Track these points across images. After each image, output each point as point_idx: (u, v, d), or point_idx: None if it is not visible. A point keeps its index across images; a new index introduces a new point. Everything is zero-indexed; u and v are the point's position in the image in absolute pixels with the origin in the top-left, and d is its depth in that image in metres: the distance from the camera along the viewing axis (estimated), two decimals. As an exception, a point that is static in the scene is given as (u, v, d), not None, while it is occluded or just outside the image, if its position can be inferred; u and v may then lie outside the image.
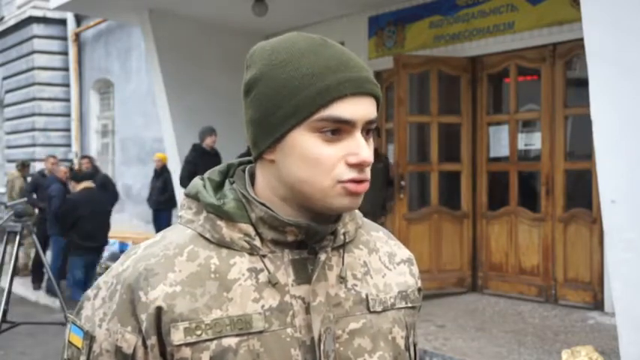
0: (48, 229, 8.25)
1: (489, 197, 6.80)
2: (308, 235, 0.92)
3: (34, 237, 5.67)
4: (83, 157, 9.78)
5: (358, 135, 0.88)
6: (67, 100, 13.09)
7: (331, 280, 0.93)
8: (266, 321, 0.88)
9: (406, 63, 6.61)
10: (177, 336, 0.86)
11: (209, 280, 0.89)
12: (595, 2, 3.66)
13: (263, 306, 0.89)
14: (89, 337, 0.90)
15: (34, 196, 8.75)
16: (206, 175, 0.98)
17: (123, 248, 8.81)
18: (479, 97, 6.76)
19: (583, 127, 5.95)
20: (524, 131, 6.72)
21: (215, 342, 0.86)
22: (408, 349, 1.00)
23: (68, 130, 13.18)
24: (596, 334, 5.15)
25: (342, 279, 0.94)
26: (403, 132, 6.59)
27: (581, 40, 3.79)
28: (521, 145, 6.62)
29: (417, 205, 6.92)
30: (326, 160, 0.87)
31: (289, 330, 0.89)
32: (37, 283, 8.75)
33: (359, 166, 0.88)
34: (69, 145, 13.15)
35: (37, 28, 12.86)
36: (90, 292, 0.94)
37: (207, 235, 0.92)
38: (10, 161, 13.53)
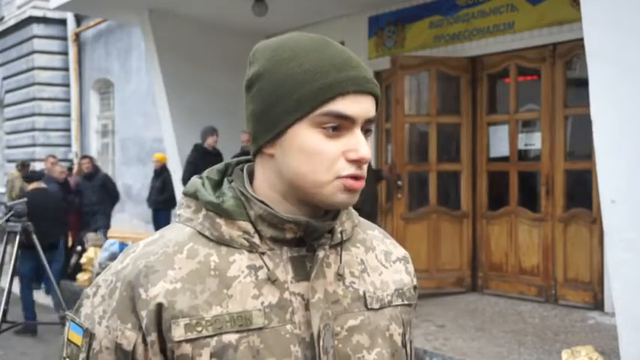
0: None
1: (489, 197, 6.80)
2: (306, 233, 0.93)
3: (34, 237, 5.67)
4: (83, 157, 9.78)
5: (358, 132, 0.90)
6: (67, 100, 13.10)
7: (329, 277, 0.94)
8: (266, 317, 0.89)
9: (403, 64, 6.68)
10: (177, 332, 0.86)
11: (209, 277, 0.90)
12: (595, 2, 3.66)
13: (263, 303, 0.90)
14: (89, 335, 0.90)
15: None
16: (204, 174, 0.99)
17: (122, 248, 8.80)
18: (479, 97, 6.76)
19: (583, 127, 5.95)
20: (524, 131, 6.72)
21: (215, 338, 0.87)
22: (405, 345, 1.01)
23: (68, 130, 13.19)
24: (596, 334, 5.15)
25: (339, 276, 0.96)
26: (400, 132, 6.67)
27: (581, 40, 3.79)
28: (521, 145, 6.62)
29: (416, 205, 6.93)
30: (326, 154, 0.89)
31: (289, 326, 0.90)
32: (36, 283, 8.74)
33: (358, 163, 0.90)
34: (69, 145, 13.15)
35: (37, 28, 12.86)
36: (89, 290, 0.94)
37: (207, 233, 0.92)
38: (10, 161, 13.53)
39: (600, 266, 5.72)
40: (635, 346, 3.66)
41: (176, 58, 7.99)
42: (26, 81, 13.19)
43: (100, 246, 8.45)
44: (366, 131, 0.92)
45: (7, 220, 5.48)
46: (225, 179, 0.98)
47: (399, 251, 1.09)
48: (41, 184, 7.48)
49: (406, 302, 1.04)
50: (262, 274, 0.91)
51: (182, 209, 0.97)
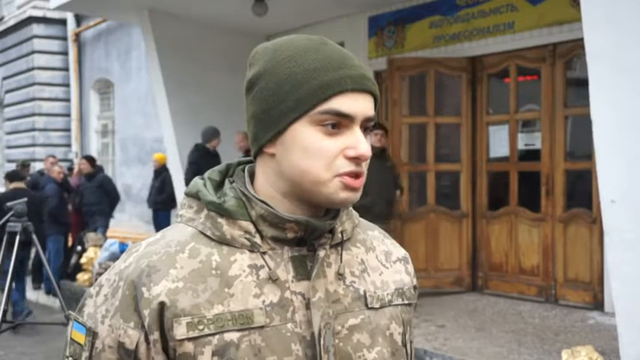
0: (45, 229, 8.25)
1: (489, 197, 6.81)
2: (307, 232, 0.94)
3: (34, 237, 5.68)
4: (83, 157, 9.78)
5: (357, 130, 0.91)
6: (67, 100, 13.10)
7: (330, 276, 0.95)
8: (267, 316, 0.90)
9: (400, 66, 6.75)
10: (179, 331, 0.87)
11: (210, 276, 0.90)
12: (595, 2, 3.66)
13: (264, 301, 0.90)
14: (92, 334, 0.91)
15: None
16: (206, 174, 1.00)
17: (123, 248, 8.81)
18: (479, 97, 6.77)
19: (583, 127, 5.96)
20: (524, 131, 6.73)
21: (217, 337, 0.88)
22: (405, 345, 1.02)
23: (68, 130, 13.19)
24: (596, 334, 5.15)
25: (340, 276, 0.96)
26: (397, 133, 6.76)
27: (581, 40, 3.79)
28: (521, 145, 6.62)
29: (415, 205, 6.95)
30: (326, 152, 0.90)
31: (290, 325, 0.91)
32: (37, 283, 8.75)
33: (357, 160, 0.91)
34: (69, 145, 13.15)
35: (37, 28, 12.86)
36: (92, 290, 0.95)
37: (208, 233, 0.93)
38: (10, 161, 13.53)
39: (600, 266, 5.72)
40: (635, 346, 3.66)
41: (176, 58, 7.99)
42: (26, 81, 13.19)
43: (100, 246, 8.46)
44: (365, 129, 0.93)
45: (7, 220, 5.48)
46: (227, 180, 0.99)
47: (399, 251, 1.10)
48: (21, 185, 7.52)
49: (406, 302, 1.04)
50: (263, 273, 0.92)
51: (184, 209, 0.98)
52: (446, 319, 5.68)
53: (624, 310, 3.72)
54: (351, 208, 1.03)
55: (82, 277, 8.28)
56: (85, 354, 0.91)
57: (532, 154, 6.63)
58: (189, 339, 0.87)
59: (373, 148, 5.59)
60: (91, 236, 8.60)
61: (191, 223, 0.95)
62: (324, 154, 0.90)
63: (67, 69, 13.04)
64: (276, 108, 0.91)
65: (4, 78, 14.04)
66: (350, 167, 0.91)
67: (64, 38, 12.99)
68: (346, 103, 0.90)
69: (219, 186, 0.98)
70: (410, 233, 6.74)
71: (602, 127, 3.68)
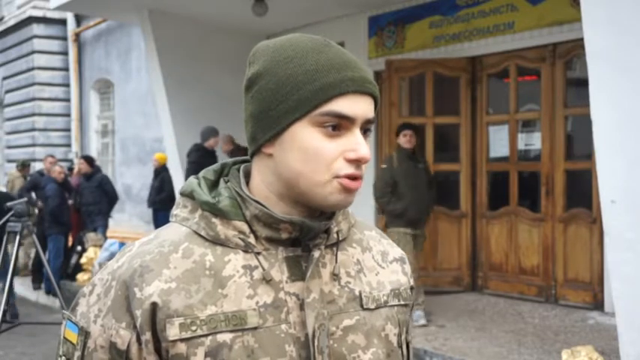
0: (45, 229, 8.26)
1: (489, 197, 6.81)
2: (302, 233, 0.93)
3: (34, 237, 5.67)
4: (81, 157, 9.78)
5: (357, 132, 0.91)
6: (67, 100, 13.09)
7: (325, 277, 0.95)
8: (260, 317, 0.89)
9: (398, 67, 6.78)
10: (172, 331, 0.86)
11: (204, 276, 0.90)
12: (595, 2, 3.66)
13: (257, 302, 0.90)
14: (84, 333, 0.91)
15: (33, 194, 8.76)
16: (201, 174, 0.99)
17: (123, 248, 8.80)
18: (478, 97, 6.77)
19: (583, 127, 5.95)
20: (524, 131, 6.73)
21: (210, 337, 0.87)
22: (400, 346, 1.01)
23: (68, 130, 13.19)
24: (596, 334, 5.15)
25: (335, 276, 0.96)
26: (396, 135, 6.70)
27: (581, 40, 3.79)
28: (521, 145, 6.62)
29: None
30: (326, 153, 0.89)
31: (284, 326, 0.90)
32: (37, 283, 8.75)
33: (357, 162, 0.90)
34: (69, 145, 13.15)
35: (37, 28, 12.85)
36: (85, 289, 0.95)
37: (202, 233, 0.92)
38: (10, 161, 13.54)
39: (600, 266, 5.72)
40: (635, 346, 3.66)
41: (176, 58, 7.99)
42: (26, 81, 13.19)
43: (100, 246, 8.46)
44: (365, 131, 0.93)
45: (7, 221, 5.48)
46: (222, 179, 0.98)
47: (396, 251, 1.09)
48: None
49: (402, 302, 1.04)
50: (257, 273, 0.91)
51: (178, 209, 0.97)
52: (446, 319, 5.68)
53: (624, 310, 3.72)
54: (347, 208, 1.02)
55: (82, 277, 8.28)
56: (78, 353, 0.91)
57: (532, 154, 6.64)
58: (182, 340, 0.86)
59: (403, 149, 5.60)
60: (91, 236, 8.60)
61: (185, 223, 0.94)
62: (323, 155, 0.89)
63: (67, 69, 13.03)
64: (275, 108, 0.90)
65: (4, 78, 14.04)
66: (349, 170, 0.90)
67: (64, 38, 12.99)
68: (347, 105, 0.89)
69: (213, 186, 0.98)
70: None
71: (602, 127, 3.68)
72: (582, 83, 4.73)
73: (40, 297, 8.64)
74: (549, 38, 6.11)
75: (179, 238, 0.93)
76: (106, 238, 8.82)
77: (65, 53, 13.03)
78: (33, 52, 12.92)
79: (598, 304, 5.80)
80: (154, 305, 0.87)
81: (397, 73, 6.81)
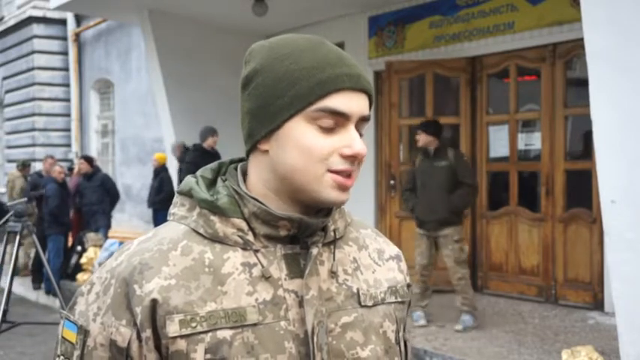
0: (45, 229, 8.26)
1: (489, 197, 6.80)
2: (300, 230, 0.93)
3: (34, 237, 5.67)
4: (81, 157, 9.78)
5: (352, 128, 0.91)
6: (67, 100, 13.10)
7: (323, 274, 0.95)
8: (260, 314, 0.89)
9: (398, 68, 6.79)
10: (172, 328, 0.87)
11: (203, 274, 0.90)
12: (595, 2, 3.66)
13: (257, 299, 0.90)
14: (83, 332, 0.90)
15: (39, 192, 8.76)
16: (199, 173, 1.00)
17: (123, 248, 8.80)
18: (478, 97, 6.77)
19: (583, 127, 5.95)
20: (524, 131, 6.73)
21: (210, 334, 0.87)
22: (398, 343, 1.02)
23: (68, 130, 13.19)
24: (596, 334, 5.15)
25: (333, 274, 0.96)
26: (395, 134, 6.88)
27: (581, 40, 3.79)
28: (521, 145, 6.62)
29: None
30: (321, 149, 0.90)
31: (283, 323, 0.90)
32: (37, 283, 8.75)
33: (352, 158, 0.91)
34: (69, 145, 13.15)
35: (37, 28, 12.85)
36: (83, 288, 0.95)
37: (201, 231, 0.93)
38: (10, 161, 13.54)
39: (600, 266, 5.72)
40: (635, 346, 3.66)
41: (176, 58, 7.99)
42: (26, 81, 13.19)
43: (100, 246, 8.46)
44: (360, 128, 0.93)
45: (7, 220, 5.47)
46: (219, 178, 0.98)
47: (392, 249, 1.09)
48: None
49: (399, 300, 1.04)
50: (256, 271, 0.91)
51: (176, 208, 0.97)
52: (446, 319, 5.68)
53: (624, 310, 3.72)
54: (343, 206, 1.03)
55: (82, 277, 8.28)
56: (77, 352, 0.90)
57: (532, 154, 6.63)
58: (182, 336, 0.87)
59: (420, 148, 5.58)
60: (91, 236, 8.60)
61: (184, 221, 0.95)
62: (318, 151, 0.90)
63: (67, 69, 13.03)
64: (271, 104, 0.91)
65: (4, 78, 14.04)
66: (344, 165, 0.91)
67: (64, 38, 12.99)
68: (342, 102, 0.90)
69: (211, 184, 0.98)
70: (408, 232, 6.75)
71: (602, 127, 3.68)
72: (582, 83, 4.73)
73: (40, 297, 8.64)
74: (549, 38, 6.11)
75: (178, 235, 0.93)
76: (107, 237, 8.82)
77: (65, 53, 13.03)
78: (33, 52, 12.92)
79: (598, 304, 5.79)
80: (154, 302, 0.87)
81: (397, 74, 6.84)
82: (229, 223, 0.92)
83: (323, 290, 0.94)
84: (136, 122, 11.21)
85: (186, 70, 8.05)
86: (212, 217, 0.93)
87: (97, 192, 8.85)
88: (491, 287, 6.70)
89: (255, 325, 0.89)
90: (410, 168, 5.71)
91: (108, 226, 9.07)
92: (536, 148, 6.49)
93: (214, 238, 0.92)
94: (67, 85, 13.06)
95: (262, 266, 0.91)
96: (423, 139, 5.49)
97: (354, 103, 0.91)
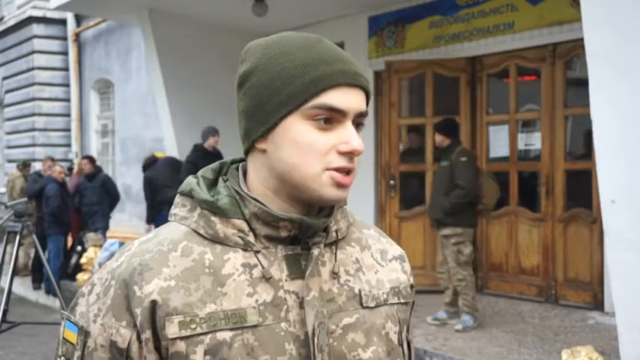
0: (46, 229, 8.26)
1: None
2: (301, 231, 0.93)
3: (34, 237, 5.68)
4: (83, 157, 9.78)
5: (349, 125, 0.91)
6: (67, 100, 13.09)
7: (324, 275, 0.94)
8: (260, 315, 0.89)
9: (398, 68, 6.80)
10: (171, 330, 0.86)
11: (203, 275, 0.90)
12: (595, 2, 3.66)
13: (257, 300, 0.90)
14: (84, 333, 0.90)
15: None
16: (199, 173, 0.99)
17: (123, 248, 8.79)
18: (478, 97, 6.77)
19: (583, 127, 5.95)
20: (524, 131, 6.72)
21: (209, 336, 0.87)
22: (401, 344, 1.01)
23: (68, 130, 13.18)
24: (596, 334, 5.15)
25: (334, 275, 0.96)
26: (395, 134, 6.88)
27: (581, 40, 3.79)
28: (521, 145, 6.62)
29: (412, 205, 6.96)
30: (318, 146, 0.89)
31: (283, 324, 0.90)
32: (37, 283, 8.75)
33: (349, 155, 0.90)
34: (69, 145, 13.14)
35: (37, 28, 12.85)
36: (84, 289, 0.95)
37: (202, 231, 0.93)
38: (10, 161, 13.53)
39: (600, 266, 5.72)
40: (635, 346, 3.66)
41: (176, 58, 7.99)
42: (26, 81, 13.18)
43: (100, 246, 8.46)
44: (357, 125, 0.93)
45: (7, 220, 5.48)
46: (220, 178, 0.98)
47: (395, 250, 1.08)
48: None
49: (402, 301, 1.03)
50: (257, 272, 0.91)
51: (177, 208, 0.97)
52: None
53: (624, 310, 3.72)
54: (346, 207, 1.02)
55: (82, 277, 8.28)
56: (77, 353, 0.90)
57: (532, 154, 6.63)
58: (182, 338, 0.86)
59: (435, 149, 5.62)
60: (91, 236, 8.60)
61: (184, 222, 0.94)
62: (315, 148, 0.89)
63: (67, 69, 13.03)
64: (267, 103, 0.90)
65: (4, 78, 14.03)
66: (342, 162, 0.90)
67: (64, 38, 12.99)
68: (338, 98, 0.89)
69: (212, 184, 0.98)
70: (408, 232, 6.75)
71: (602, 127, 3.68)
72: (582, 83, 4.73)
73: (40, 297, 8.64)
74: (549, 38, 6.11)
75: (178, 236, 0.93)
76: (105, 238, 8.82)
77: (65, 53, 13.03)
78: (33, 52, 12.91)
79: (598, 304, 5.79)
80: (154, 303, 0.87)
81: (397, 74, 6.84)
82: (230, 224, 0.92)
83: (324, 291, 0.93)
84: (136, 122, 11.21)
85: (186, 70, 8.04)
86: (213, 218, 0.92)
87: (98, 193, 8.85)
88: (491, 287, 6.70)
89: (255, 326, 0.88)
90: None
91: (106, 228, 9.06)
92: (536, 148, 6.49)
93: (215, 239, 0.92)
94: (67, 85, 13.05)
95: (263, 267, 0.91)
96: (436, 138, 5.61)
97: (350, 99, 0.90)
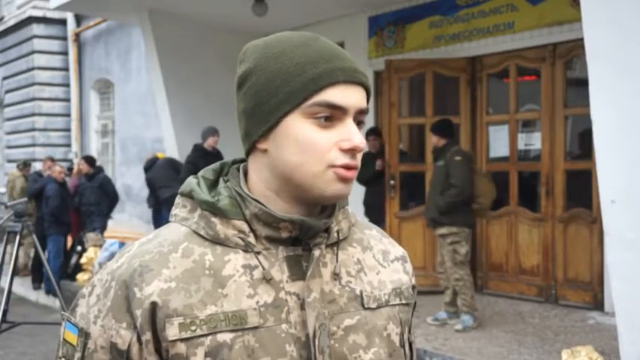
0: (46, 229, 8.26)
1: (489, 197, 6.79)
2: (302, 231, 0.92)
3: (34, 237, 5.67)
4: (82, 157, 9.79)
5: (350, 122, 0.90)
6: (67, 100, 13.09)
7: (325, 276, 0.94)
8: (261, 317, 0.89)
9: (398, 67, 6.79)
10: (171, 331, 0.86)
11: (203, 276, 0.89)
12: (595, 2, 3.65)
13: (258, 302, 0.89)
14: (84, 334, 0.90)
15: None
16: (200, 173, 0.99)
17: (123, 248, 8.79)
18: (479, 97, 6.77)
19: (583, 127, 5.95)
20: (524, 131, 6.72)
21: (210, 337, 0.87)
22: (403, 345, 1.00)
23: (68, 130, 13.18)
24: (596, 334, 5.15)
25: (336, 276, 0.95)
26: (395, 134, 6.85)
27: (581, 40, 3.79)
28: (521, 145, 6.62)
29: (414, 204, 6.96)
30: (319, 144, 0.89)
31: (284, 326, 0.89)
32: (36, 283, 8.75)
33: (351, 152, 0.90)
34: (69, 145, 13.14)
35: (37, 28, 12.85)
36: (85, 290, 0.94)
37: (202, 232, 0.92)
38: (10, 161, 13.53)
39: (600, 266, 5.72)
40: (635, 346, 3.66)
41: (176, 58, 7.99)
42: (26, 81, 13.18)
43: (100, 246, 8.45)
44: (358, 122, 0.92)
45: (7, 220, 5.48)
46: (221, 179, 0.98)
47: (397, 250, 1.08)
48: None
49: (404, 302, 1.03)
50: (257, 273, 0.90)
51: (178, 209, 0.97)
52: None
53: (624, 310, 3.72)
54: (347, 207, 1.02)
55: (82, 277, 8.28)
56: (78, 355, 0.90)
57: (532, 154, 6.63)
58: (182, 340, 0.86)
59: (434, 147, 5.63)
60: (90, 236, 8.59)
61: (185, 223, 0.94)
62: (317, 147, 0.89)
63: (67, 69, 13.03)
64: (267, 102, 0.90)
65: (4, 78, 14.03)
66: (344, 160, 0.90)
67: (64, 38, 12.99)
68: (338, 95, 0.89)
69: (213, 185, 0.97)
70: (408, 232, 6.75)
71: (602, 127, 3.68)
72: (582, 83, 4.73)
73: (40, 297, 8.64)
74: (549, 38, 6.11)
75: (178, 237, 0.92)
76: (103, 239, 8.82)
77: (65, 53, 13.03)
78: (33, 52, 12.91)
79: (598, 304, 5.79)
80: (154, 305, 0.87)
81: (397, 73, 6.82)
82: (230, 225, 0.92)
83: (325, 292, 0.93)
84: (136, 122, 11.21)
85: (186, 70, 8.04)
86: (213, 219, 0.92)
87: (96, 193, 8.84)
88: (491, 287, 6.69)
89: (255, 328, 0.88)
90: None
91: (104, 228, 9.04)
92: (536, 148, 6.49)
93: (215, 240, 0.92)
94: (67, 85, 13.05)
95: (263, 268, 0.90)
96: (431, 139, 5.64)
97: (350, 96, 0.90)
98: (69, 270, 8.49)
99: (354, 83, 0.91)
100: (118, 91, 11.86)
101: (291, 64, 0.89)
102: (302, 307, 0.90)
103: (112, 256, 7.92)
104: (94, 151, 12.60)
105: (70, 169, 10.51)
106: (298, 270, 0.92)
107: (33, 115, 13.02)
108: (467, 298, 5.40)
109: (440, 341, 5.11)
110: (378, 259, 1.03)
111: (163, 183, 7.42)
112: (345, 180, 0.90)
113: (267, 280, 0.90)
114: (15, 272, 5.65)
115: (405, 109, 7.40)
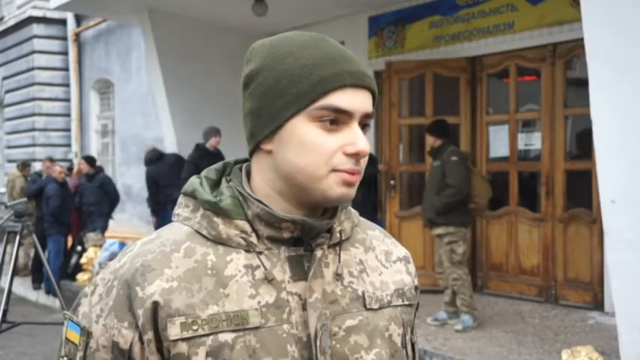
0: (46, 229, 8.25)
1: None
2: (304, 232, 0.92)
3: (34, 237, 5.67)
4: (82, 157, 9.79)
5: (356, 126, 0.90)
6: (67, 100, 13.09)
7: (327, 277, 0.94)
8: (262, 317, 0.89)
9: (398, 68, 6.80)
10: (173, 331, 0.86)
11: (205, 276, 0.89)
12: (595, 2, 3.66)
13: (259, 302, 0.89)
14: (86, 334, 0.90)
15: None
16: (203, 173, 0.99)
17: (123, 248, 8.79)
18: (479, 97, 6.77)
19: (583, 127, 5.95)
20: (524, 131, 6.72)
21: (211, 337, 0.87)
22: (405, 346, 1.00)
23: (68, 130, 13.18)
24: (596, 334, 5.15)
25: (338, 276, 0.95)
26: (395, 134, 6.89)
27: (581, 40, 3.79)
28: (521, 145, 6.62)
29: (412, 205, 6.96)
30: (324, 148, 0.89)
31: (285, 326, 0.89)
32: (36, 283, 8.75)
33: (356, 156, 0.90)
34: (69, 145, 13.14)
35: (37, 28, 12.85)
36: (87, 289, 0.95)
37: (204, 232, 0.92)
38: (10, 161, 13.53)
39: (600, 266, 5.72)
40: (635, 346, 3.66)
41: (176, 58, 7.99)
42: (26, 81, 13.18)
43: (100, 246, 8.45)
44: (363, 126, 0.92)
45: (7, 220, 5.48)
46: (224, 179, 0.98)
47: (400, 251, 1.08)
48: None
49: (407, 302, 1.02)
50: (259, 273, 0.90)
51: (180, 208, 0.97)
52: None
53: (624, 310, 3.72)
54: (350, 207, 1.02)
55: (82, 277, 8.28)
56: (80, 354, 0.90)
57: (532, 154, 6.63)
58: (183, 339, 0.86)
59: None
60: (91, 236, 8.59)
61: (187, 222, 0.94)
62: (321, 150, 0.88)
63: (67, 69, 13.03)
64: (273, 104, 0.90)
65: (4, 78, 14.03)
66: (348, 164, 0.89)
67: (64, 38, 12.98)
68: (345, 99, 0.88)
69: (215, 185, 0.97)
70: (408, 232, 6.75)
71: (602, 127, 3.68)
72: (582, 83, 4.73)
73: (40, 297, 8.64)
74: (549, 38, 6.11)
75: (181, 237, 0.92)
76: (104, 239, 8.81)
77: (65, 53, 13.02)
78: (33, 52, 12.91)
79: (598, 304, 5.79)
80: (156, 304, 0.87)
81: (397, 74, 6.84)
82: (232, 225, 0.92)
83: (327, 293, 0.93)
84: (136, 122, 11.20)
85: (186, 70, 8.05)
86: (215, 219, 0.92)
87: (96, 193, 8.84)
88: (491, 287, 6.70)
89: (257, 328, 0.88)
90: None
91: (104, 228, 9.04)
92: (536, 148, 6.49)
93: (217, 240, 0.92)
94: (67, 85, 13.05)
95: (265, 269, 0.90)
96: (428, 139, 5.63)
97: (357, 101, 0.89)
98: (69, 270, 8.49)
99: (362, 87, 0.90)
100: (118, 91, 11.86)
101: (297, 66, 0.89)
102: (304, 307, 0.90)
103: (112, 256, 7.91)
104: (94, 151, 12.60)
105: (70, 169, 10.51)
106: (300, 270, 0.92)
107: (33, 115, 13.02)
108: (466, 298, 5.40)
109: (440, 341, 5.11)
110: (380, 260, 1.03)
111: (169, 182, 7.41)
112: (348, 184, 0.90)
113: (268, 280, 0.90)
114: (15, 272, 5.65)
115: (405, 109, 7.39)
